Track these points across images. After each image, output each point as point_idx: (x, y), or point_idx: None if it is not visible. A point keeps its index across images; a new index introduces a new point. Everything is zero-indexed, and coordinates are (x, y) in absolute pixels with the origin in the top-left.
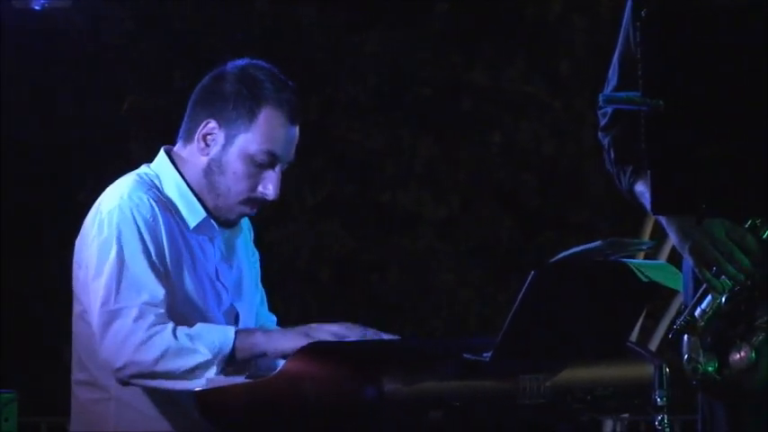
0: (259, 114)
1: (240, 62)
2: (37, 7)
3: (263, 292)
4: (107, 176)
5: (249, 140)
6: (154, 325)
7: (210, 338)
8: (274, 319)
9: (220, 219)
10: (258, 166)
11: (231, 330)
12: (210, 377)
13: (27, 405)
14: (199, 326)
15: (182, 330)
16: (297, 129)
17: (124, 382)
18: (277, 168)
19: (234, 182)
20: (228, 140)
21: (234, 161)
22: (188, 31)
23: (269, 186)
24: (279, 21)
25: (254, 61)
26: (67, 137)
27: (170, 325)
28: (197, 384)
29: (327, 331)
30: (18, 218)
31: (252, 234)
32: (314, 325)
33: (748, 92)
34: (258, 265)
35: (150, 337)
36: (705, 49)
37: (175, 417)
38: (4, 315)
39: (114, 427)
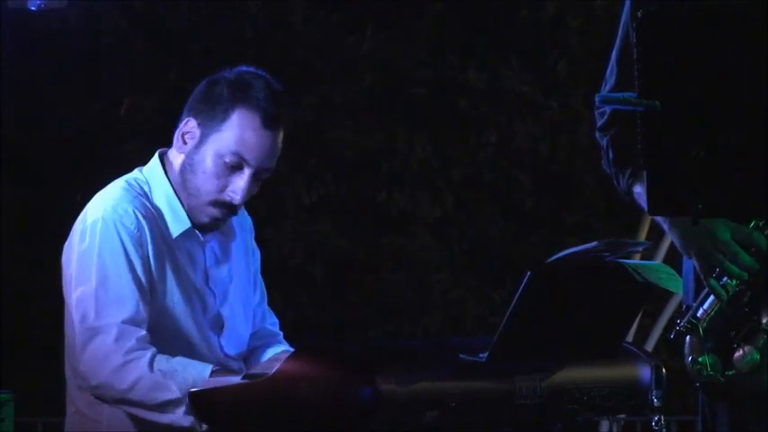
0: (232, 114)
1: (240, 69)
2: (33, 8)
3: (264, 291)
4: (104, 177)
5: (219, 139)
6: (134, 350)
7: (184, 376)
8: (276, 321)
9: (195, 222)
10: (228, 167)
11: (207, 369)
12: (180, 414)
13: (23, 405)
14: (176, 361)
15: (159, 362)
16: (274, 135)
17: (101, 399)
18: (246, 171)
19: (203, 181)
20: (203, 139)
21: (204, 160)
22: (183, 31)
23: (236, 189)
24: (273, 20)
25: (253, 69)
26: (65, 137)
27: (149, 353)
28: (165, 419)
29: None
30: (15, 218)
31: (253, 233)
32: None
33: (746, 93)
34: (258, 263)
35: (127, 362)
36: (702, 50)
37: (168, 422)
38: (0, 315)
39: (108, 428)
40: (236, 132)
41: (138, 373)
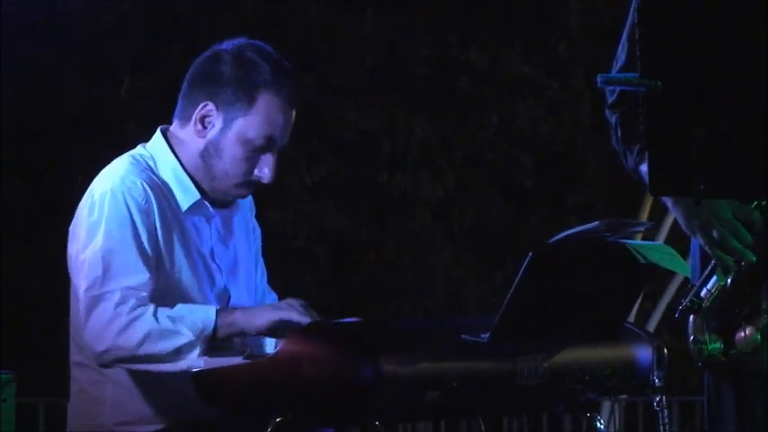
0: (258, 99)
1: (237, 42)
2: None
3: (264, 268)
4: (105, 158)
5: (248, 125)
6: (135, 308)
7: (192, 319)
8: (275, 296)
9: (216, 200)
10: (256, 150)
11: (212, 310)
12: (194, 358)
13: (25, 386)
14: (179, 307)
15: (163, 312)
16: (293, 111)
17: (106, 366)
18: (273, 150)
19: (231, 165)
20: (226, 124)
21: (232, 145)
22: (184, 11)
23: (265, 170)
24: (275, 1)
25: (251, 42)
26: (67, 119)
27: (151, 307)
28: (180, 366)
29: (296, 309)
30: (16, 198)
31: (253, 210)
32: (289, 300)
33: (747, 72)
34: (259, 241)
35: (132, 321)
36: (704, 30)
37: (171, 398)
38: (1, 296)
39: (111, 408)
40: (266, 116)
41: (145, 329)
